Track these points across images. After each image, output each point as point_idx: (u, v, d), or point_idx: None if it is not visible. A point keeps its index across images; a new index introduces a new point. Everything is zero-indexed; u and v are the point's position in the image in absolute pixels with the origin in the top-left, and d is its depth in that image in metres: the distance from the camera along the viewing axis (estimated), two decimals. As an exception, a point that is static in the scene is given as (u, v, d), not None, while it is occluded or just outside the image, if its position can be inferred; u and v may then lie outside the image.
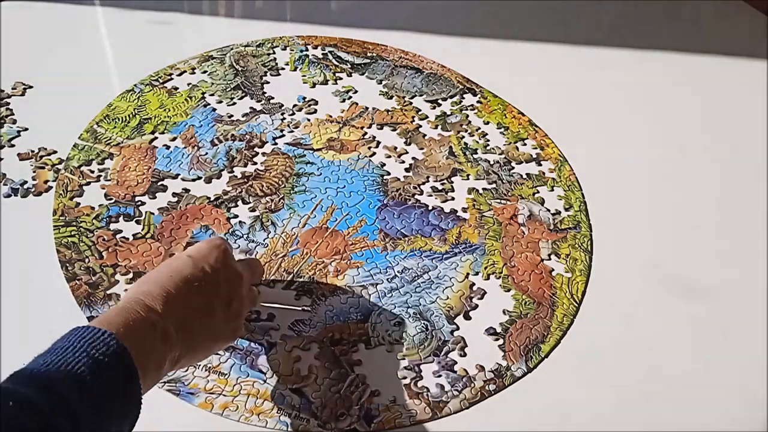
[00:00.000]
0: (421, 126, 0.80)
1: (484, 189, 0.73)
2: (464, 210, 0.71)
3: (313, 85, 0.84)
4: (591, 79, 0.90)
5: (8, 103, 0.76)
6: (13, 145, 0.72)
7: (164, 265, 0.49)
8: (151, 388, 0.44)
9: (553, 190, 0.74)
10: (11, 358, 0.54)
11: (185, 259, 0.49)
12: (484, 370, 0.57)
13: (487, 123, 0.81)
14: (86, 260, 0.62)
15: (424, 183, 0.73)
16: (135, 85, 0.81)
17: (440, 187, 0.73)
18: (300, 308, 0.55)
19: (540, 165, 0.77)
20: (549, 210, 0.72)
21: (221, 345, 0.53)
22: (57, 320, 0.57)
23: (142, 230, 0.65)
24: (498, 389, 0.56)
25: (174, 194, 0.69)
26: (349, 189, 0.71)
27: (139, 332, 0.43)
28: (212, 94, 0.81)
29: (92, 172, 0.70)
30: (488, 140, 0.79)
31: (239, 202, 0.69)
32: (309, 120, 0.79)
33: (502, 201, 0.72)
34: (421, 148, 0.77)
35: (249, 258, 0.58)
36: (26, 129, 0.74)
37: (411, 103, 0.82)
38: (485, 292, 0.63)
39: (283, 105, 0.80)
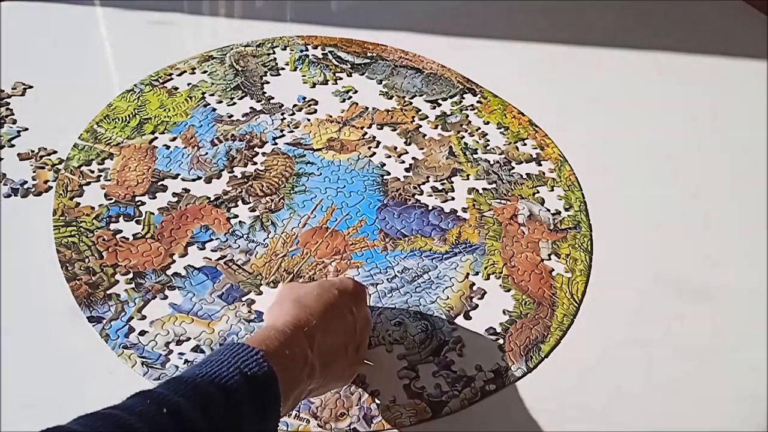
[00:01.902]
0: (421, 126, 0.80)
1: (484, 189, 0.73)
2: (464, 210, 0.71)
3: (313, 85, 0.84)
4: (591, 79, 0.90)
5: (8, 103, 0.76)
6: (13, 145, 0.72)
7: (314, 292, 0.49)
8: (284, 416, 0.43)
9: (553, 190, 0.74)
10: (11, 358, 0.54)
11: (335, 294, 0.50)
12: (483, 370, 0.57)
13: (487, 123, 0.81)
14: (86, 260, 0.62)
15: (424, 183, 0.73)
16: (135, 85, 0.81)
17: (440, 187, 0.73)
18: (371, 363, 0.56)
19: (540, 165, 0.77)
20: (549, 210, 0.72)
21: (341, 385, 0.53)
22: (57, 320, 0.57)
23: (142, 230, 0.65)
24: (498, 389, 0.56)
25: (174, 194, 0.69)
26: (349, 189, 0.71)
27: (291, 361, 0.43)
28: (212, 94, 0.81)
29: (92, 172, 0.70)
30: (488, 140, 0.79)
31: (239, 202, 0.69)
32: (309, 120, 0.79)
33: (502, 201, 0.72)
34: (421, 148, 0.77)
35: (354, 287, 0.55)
36: (26, 129, 0.74)
37: (411, 103, 0.82)
38: (485, 292, 0.63)
39: (283, 105, 0.80)
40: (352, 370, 0.52)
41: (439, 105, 0.83)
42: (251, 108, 0.79)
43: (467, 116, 0.82)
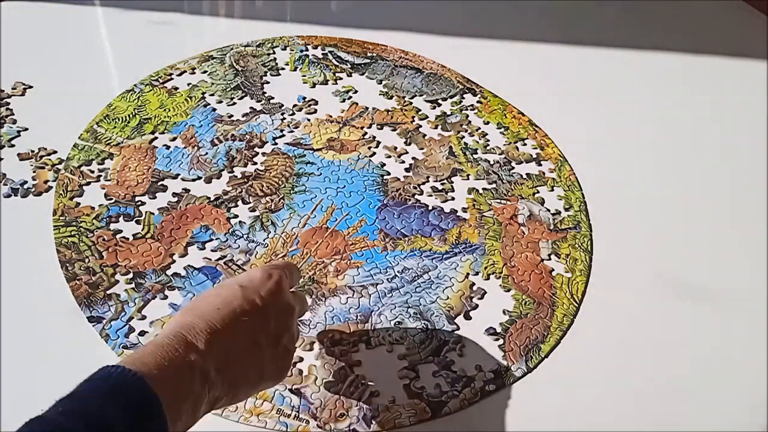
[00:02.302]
0: (421, 126, 0.80)
1: (484, 189, 0.73)
2: (464, 210, 0.71)
3: (313, 85, 0.84)
4: (591, 79, 0.90)
5: (8, 103, 0.76)
6: (13, 145, 0.72)
7: (213, 293, 0.45)
8: (188, 430, 0.40)
9: (553, 190, 0.74)
10: (11, 358, 0.54)
11: (235, 289, 0.45)
12: (483, 370, 0.57)
13: (487, 123, 0.81)
14: (86, 260, 0.62)
15: (424, 183, 0.73)
16: (135, 85, 0.81)
17: (440, 187, 0.73)
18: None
19: (540, 165, 0.77)
20: (549, 210, 0.72)
21: (267, 385, 0.48)
22: (57, 320, 0.57)
23: (142, 230, 0.65)
24: (498, 389, 0.56)
25: (174, 194, 0.69)
26: (349, 189, 0.71)
27: (175, 373, 0.39)
28: (212, 94, 0.81)
29: (92, 172, 0.70)
30: (488, 140, 0.79)
31: (239, 202, 0.69)
32: (309, 120, 0.79)
33: (502, 201, 0.72)
34: (421, 148, 0.77)
35: (300, 291, 0.52)
36: (26, 129, 0.74)
37: (411, 103, 0.82)
38: (485, 292, 0.63)
39: (283, 105, 0.80)
40: (279, 364, 0.47)
41: (439, 105, 0.83)
42: (251, 108, 0.79)
43: (467, 116, 0.82)
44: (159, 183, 0.69)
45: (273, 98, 0.81)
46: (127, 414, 0.35)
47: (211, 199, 0.69)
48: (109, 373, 0.37)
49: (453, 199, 0.72)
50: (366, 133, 0.78)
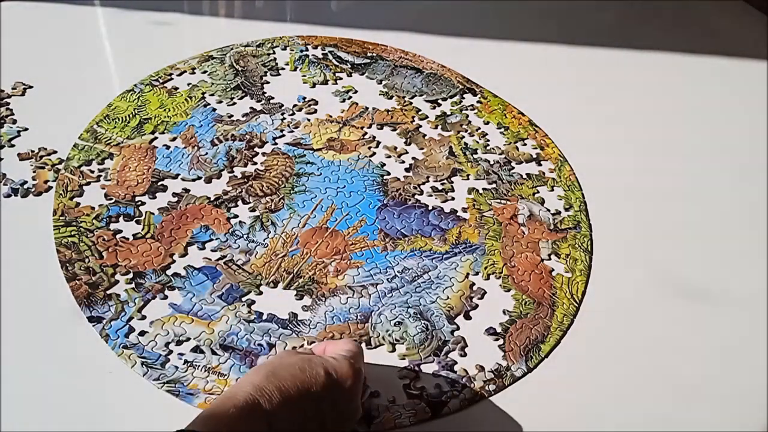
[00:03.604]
0: (421, 126, 0.80)
1: (484, 189, 0.73)
2: (464, 210, 0.71)
3: (313, 85, 0.84)
4: (591, 79, 0.90)
5: (8, 103, 0.76)
6: (13, 145, 0.72)
7: (297, 366, 0.45)
8: None
9: (553, 190, 0.74)
10: (11, 358, 0.54)
11: (320, 374, 0.45)
12: (484, 370, 0.57)
13: (487, 123, 0.81)
14: (86, 260, 0.62)
15: (424, 183, 0.73)
16: (135, 85, 0.81)
17: (440, 187, 0.73)
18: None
19: (540, 165, 0.77)
20: (549, 210, 0.72)
21: None
22: (57, 320, 0.57)
23: (142, 230, 0.65)
24: (498, 389, 0.56)
25: (174, 194, 0.69)
26: (349, 189, 0.71)
27: (239, 423, 0.40)
28: (212, 94, 0.81)
29: (92, 172, 0.70)
30: (488, 140, 0.79)
31: (239, 202, 0.69)
32: (309, 120, 0.79)
33: (502, 201, 0.72)
34: (421, 148, 0.77)
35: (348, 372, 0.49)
36: (26, 129, 0.74)
37: (411, 103, 0.82)
38: (485, 292, 0.63)
39: (283, 105, 0.80)
40: (343, 420, 0.48)
41: (439, 105, 0.83)
42: (251, 108, 0.79)
43: (467, 116, 0.82)
44: (159, 183, 0.69)
45: (273, 98, 0.81)
46: None
47: (211, 199, 0.69)
48: None
49: (453, 199, 0.72)
50: (366, 133, 0.78)
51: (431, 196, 0.72)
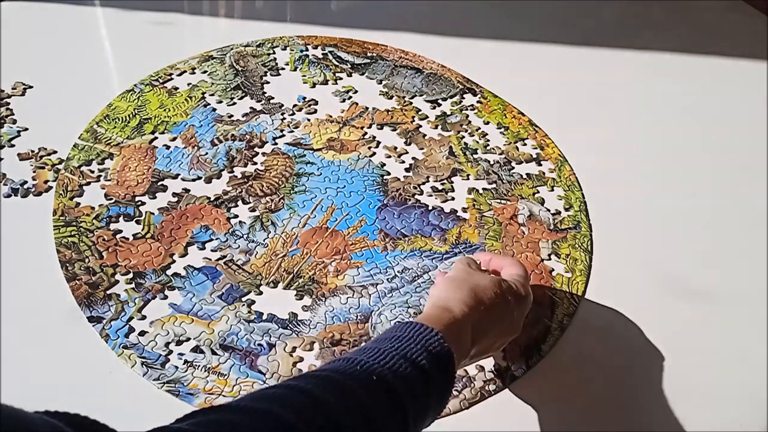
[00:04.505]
0: (421, 126, 0.80)
1: (484, 189, 0.73)
2: (464, 210, 0.71)
3: (313, 85, 0.84)
4: (591, 79, 0.90)
5: (8, 103, 0.76)
6: (13, 145, 0.72)
7: (493, 295, 0.51)
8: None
9: (553, 190, 0.74)
10: (12, 358, 0.54)
11: (509, 301, 0.52)
12: (484, 370, 0.57)
13: (487, 123, 0.81)
14: (86, 260, 0.62)
15: (424, 183, 0.73)
16: (135, 85, 0.81)
17: (440, 187, 0.73)
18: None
19: (540, 165, 0.77)
20: (549, 210, 0.72)
21: (483, 358, 0.55)
22: (57, 320, 0.57)
23: (142, 230, 0.65)
24: (498, 389, 0.56)
25: (174, 194, 0.69)
26: (349, 189, 0.71)
27: (458, 347, 0.46)
28: (212, 94, 0.81)
29: (92, 172, 0.70)
30: (488, 140, 0.79)
31: (239, 202, 0.69)
32: (309, 120, 0.79)
33: (502, 201, 0.72)
34: (421, 148, 0.77)
35: (526, 294, 0.56)
36: (26, 129, 0.74)
37: (411, 103, 0.82)
38: (485, 292, 0.63)
39: (283, 105, 0.80)
40: (509, 330, 0.54)
41: (439, 105, 0.83)
42: (251, 108, 0.79)
43: (467, 116, 0.82)
44: (159, 183, 0.69)
45: (273, 98, 0.81)
46: (437, 365, 0.44)
47: (211, 199, 0.69)
48: (419, 327, 0.45)
49: (453, 199, 0.72)
50: (366, 133, 0.78)
51: (431, 196, 0.72)
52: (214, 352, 0.56)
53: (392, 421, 0.40)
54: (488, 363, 0.58)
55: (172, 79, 0.82)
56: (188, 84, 0.82)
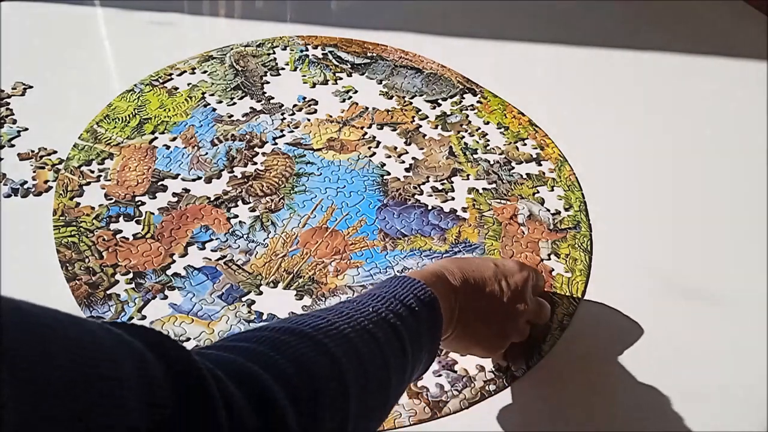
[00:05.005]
0: (421, 126, 0.80)
1: (484, 189, 0.73)
2: (464, 210, 0.71)
3: (313, 85, 0.84)
4: (591, 79, 0.90)
5: (8, 103, 0.76)
6: (13, 145, 0.72)
7: (470, 259, 0.53)
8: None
9: (553, 190, 0.74)
10: (11, 358, 0.54)
11: (490, 264, 0.53)
12: (484, 370, 0.57)
13: (487, 123, 0.81)
14: (86, 260, 0.62)
15: (424, 183, 0.73)
16: (135, 85, 0.81)
17: (440, 187, 0.73)
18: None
19: (540, 165, 0.77)
20: (549, 210, 0.72)
21: (479, 352, 0.55)
22: (57, 320, 0.57)
23: (142, 230, 0.65)
24: (498, 389, 0.56)
25: (174, 194, 0.69)
26: (349, 189, 0.71)
27: (442, 298, 0.47)
28: (212, 94, 0.81)
29: (92, 172, 0.70)
30: (488, 140, 0.79)
31: (239, 202, 0.69)
32: (309, 120, 0.79)
33: (502, 201, 0.72)
34: (421, 148, 0.77)
35: (543, 300, 0.57)
36: (26, 129, 0.74)
37: (411, 103, 0.82)
38: (485, 292, 0.63)
39: (283, 105, 0.80)
40: (495, 343, 0.54)
41: (439, 105, 0.83)
42: (251, 108, 0.79)
43: (467, 116, 0.82)
44: (159, 183, 0.69)
45: (273, 98, 0.81)
46: (426, 308, 0.45)
47: (211, 199, 0.69)
48: (406, 279, 0.46)
49: (453, 199, 0.72)
50: (366, 133, 0.78)
51: (431, 196, 0.72)
52: (214, 352, 0.56)
53: (394, 349, 0.42)
54: (488, 363, 0.58)
55: (172, 79, 0.82)
56: (188, 84, 0.82)
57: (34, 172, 0.69)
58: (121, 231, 0.65)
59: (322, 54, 0.88)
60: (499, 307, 0.52)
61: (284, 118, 0.78)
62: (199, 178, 0.71)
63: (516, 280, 0.53)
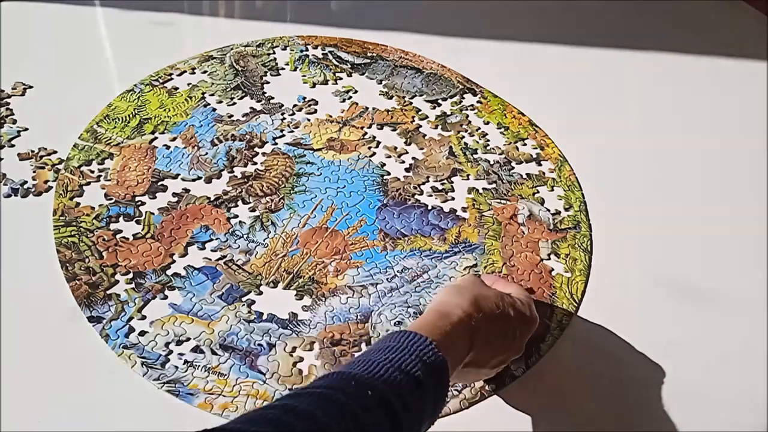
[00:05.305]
0: (421, 126, 0.80)
1: (484, 189, 0.73)
2: (464, 210, 0.71)
3: (313, 85, 0.84)
4: (591, 79, 0.90)
5: (8, 103, 0.76)
6: (13, 145, 0.72)
7: (494, 305, 0.51)
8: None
9: (553, 190, 0.74)
10: (12, 358, 0.54)
11: (509, 313, 0.52)
12: (483, 370, 0.57)
13: (487, 123, 0.81)
14: (86, 260, 0.62)
15: (424, 183, 0.73)
16: (135, 85, 0.81)
17: (440, 187, 0.73)
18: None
19: (540, 165, 0.77)
20: (549, 210, 0.72)
21: (480, 375, 0.55)
22: (57, 320, 0.57)
23: (142, 230, 0.65)
24: (498, 389, 0.56)
25: (174, 194, 0.69)
26: (349, 189, 0.71)
27: (454, 353, 0.47)
28: (212, 94, 0.81)
29: (92, 172, 0.70)
30: (488, 140, 0.79)
31: (239, 202, 0.69)
32: (309, 120, 0.79)
33: (502, 201, 0.72)
34: (421, 148, 0.77)
35: (531, 316, 0.56)
36: (26, 129, 0.74)
37: (411, 103, 0.82)
38: (485, 292, 0.63)
39: (283, 105, 0.80)
40: (494, 363, 0.53)
41: (439, 105, 0.83)
42: (251, 108, 0.79)
43: (467, 116, 0.82)
44: (159, 183, 0.69)
45: (273, 98, 0.81)
46: (432, 375, 0.44)
47: (211, 199, 0.69)
48: (412, 337, 0.45)
49: (453, 199, 0.72)
50: (366, 133, 0.78)
51: (431, 196, 0.72)
52: (214, 352, 0.56)
53: None
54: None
55: (172, 79, 0.82)
56: (188, 84, 0.82)
57: (34, 172, 0.69)
58: (121, 231, 0.65)
59: (322, 54, 0.88)
60: (505, 331, 0.52)
61: (284, 118, 0.78)
62: (199, 178, 0.71)
63: (519, 306, 0.53)
